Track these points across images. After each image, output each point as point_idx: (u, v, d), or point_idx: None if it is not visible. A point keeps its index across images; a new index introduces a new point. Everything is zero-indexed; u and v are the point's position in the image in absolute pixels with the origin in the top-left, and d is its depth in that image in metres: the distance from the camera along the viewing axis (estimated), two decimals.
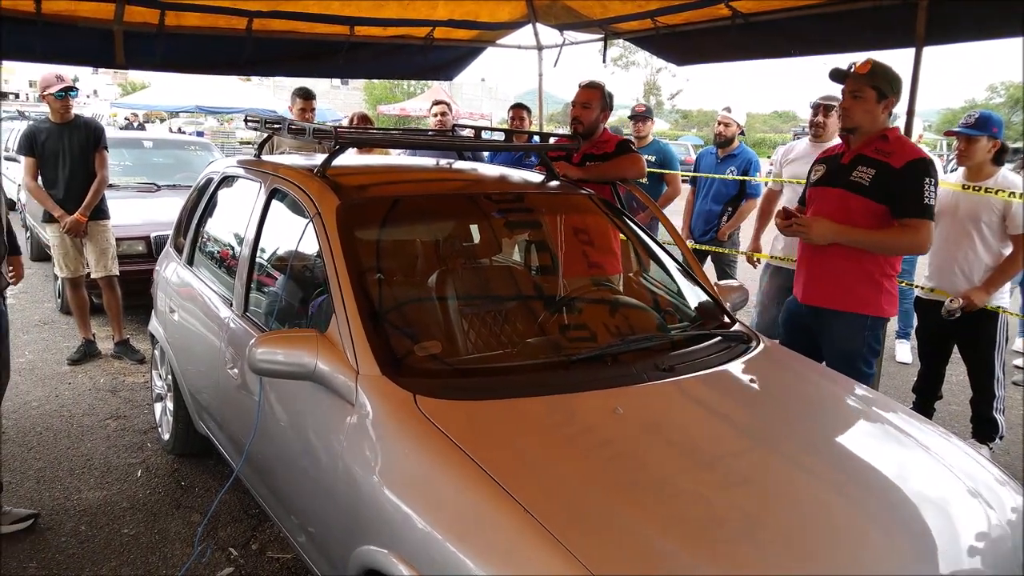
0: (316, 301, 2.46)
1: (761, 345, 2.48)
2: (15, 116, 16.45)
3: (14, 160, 6.80)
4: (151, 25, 4.73)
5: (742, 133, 5.37)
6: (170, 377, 3.51)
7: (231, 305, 2.80)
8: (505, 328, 2.57)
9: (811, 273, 3.07)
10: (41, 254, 7.45)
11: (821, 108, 4.18)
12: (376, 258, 2.51)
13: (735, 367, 2.31)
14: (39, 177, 4.77)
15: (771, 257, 4.68)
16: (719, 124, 5.30)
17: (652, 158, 5.36)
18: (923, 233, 2.79)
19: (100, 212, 4.87)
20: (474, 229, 3.07)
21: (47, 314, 5.93)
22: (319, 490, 2.07)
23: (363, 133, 3.54)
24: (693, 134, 39.67)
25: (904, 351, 5.51)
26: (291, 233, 2.68)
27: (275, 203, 2.79)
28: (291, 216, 2.68)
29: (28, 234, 7.60)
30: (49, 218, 4.81)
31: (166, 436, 3.67)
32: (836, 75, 2.93)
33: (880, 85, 2.83)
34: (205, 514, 3.05)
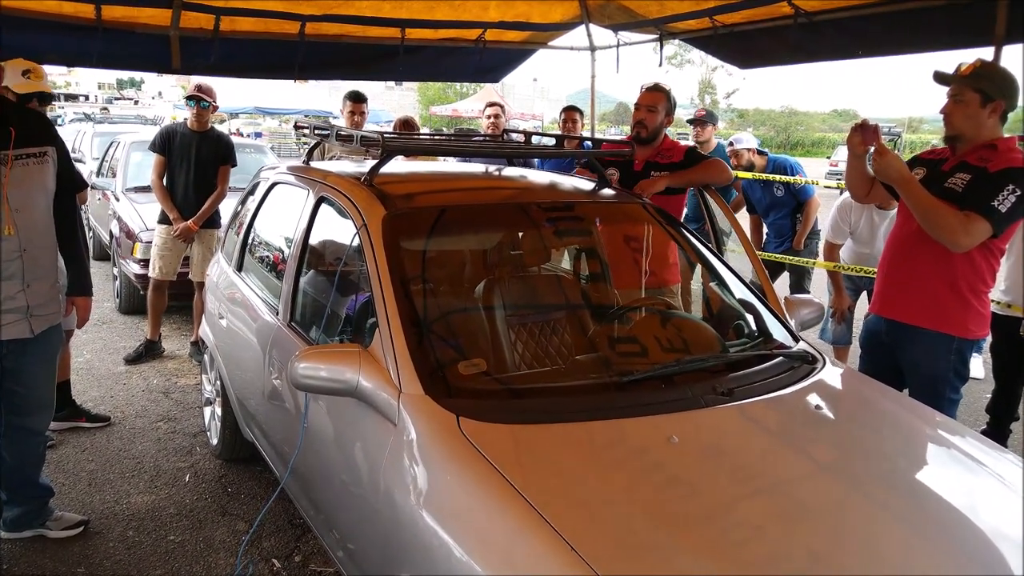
0: (361, 314, 2.41)
1: (827, 366, 2.34)
2: (81, 118, 17.04)
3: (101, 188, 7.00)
4: (206, 30, 4.80)
5: (760, 152, 5.25)
6: (219, 382, 3.52)
7: (277, 313, 2.78)
8: (553, 340, 2.49)
9: (890, 281, 2.80)
10: (102, 253, 7.65)
11: None
12: (422, 272, 2.44)
13: (799, 391, 2.16)
14: (164, 177, 4.87)
15: (836, 267, 4.49)
16: (734, 159, 5.25)
17: None
18: (970, 228, 2.47)
19: (211, 221, 4.98)
20: (522, 240, 2.98)
21: (105, 313, 6.07)
22: (359, 509, 2.02)
23: (409, 141, 3.49)
24: (749, 132, 38.90)
25: (977, 366, 5.22)
26: (338, 242, 2.65)
27: (322, 211, 2.75)
28: (338, 225, 2.63)
29: (91, 234, 7.80)
30: (163, 219, 4.91)
31: (214, 441, 3.68)
32: (939, 78, 2.64)
33: (985, 87, 2.54)
34: (250, 527, 3.04)
